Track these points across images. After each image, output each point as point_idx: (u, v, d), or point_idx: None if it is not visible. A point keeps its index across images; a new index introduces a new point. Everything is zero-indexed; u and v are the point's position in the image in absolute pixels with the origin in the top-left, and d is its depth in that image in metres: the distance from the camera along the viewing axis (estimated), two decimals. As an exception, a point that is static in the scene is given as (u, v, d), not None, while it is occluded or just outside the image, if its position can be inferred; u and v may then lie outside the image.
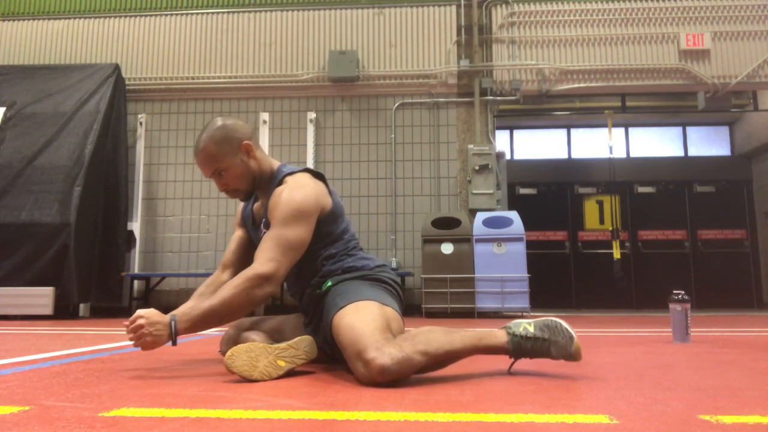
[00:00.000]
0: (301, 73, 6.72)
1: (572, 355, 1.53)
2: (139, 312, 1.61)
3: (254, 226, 1.97)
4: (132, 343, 1.59)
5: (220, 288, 1.68)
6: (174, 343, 1.60)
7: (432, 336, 1.51)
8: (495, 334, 1.61)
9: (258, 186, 1.88)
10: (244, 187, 1.86)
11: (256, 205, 1.97)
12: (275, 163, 1.92)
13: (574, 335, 1.55)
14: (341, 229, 1.88)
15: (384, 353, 1.40)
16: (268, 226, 1.78)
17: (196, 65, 6.83)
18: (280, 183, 1.81)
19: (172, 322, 1.59)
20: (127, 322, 1.62)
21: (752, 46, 6.57)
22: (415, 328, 1.59)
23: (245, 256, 1.99)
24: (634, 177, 8.67)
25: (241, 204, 2.06)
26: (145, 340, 1.57)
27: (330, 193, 1.87)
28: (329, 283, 1.80)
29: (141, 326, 1.57)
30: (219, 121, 1.82)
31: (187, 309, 1.64)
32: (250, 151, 1.83)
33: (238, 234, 2.05)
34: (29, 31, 7.05)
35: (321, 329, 1.78)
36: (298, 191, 1.74)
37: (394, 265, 6.25)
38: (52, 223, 5.39)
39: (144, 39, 6.93)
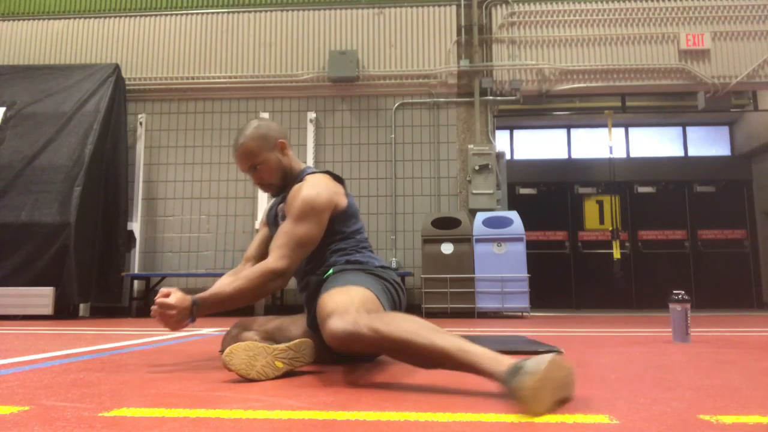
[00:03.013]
0: (301, 73, 6.72)
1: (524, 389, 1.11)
2: (163, 290, 1.69)
3: (275, 225, 2.06)
4: (157, 318, 1.68)
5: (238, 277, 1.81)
6: (193, 320, 1.71)
7: (401, 322, 1.37)
8: (497, 359, 1.24)
9: (287, 183, 2.01)
10: (277, 182, 2.00)
11: (281, 205, 2.05)
12: (302, 165, 2.08)
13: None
14: (353, 229, 1.97)
15: (342, 319, 1.43)
16: (284, 218, 1.90)
17: (196, 65, 6.83)
18: (301, 181, 1.93)
19: (194, 301, 1.70)
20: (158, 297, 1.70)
21: (752, 46, 6.57)
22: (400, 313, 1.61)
23: (266, 252, 2.08)
24: (634, 177, 8.67)
25: (267, 204, 2.16)
26: (167, 313, 1.66)
27: (346, 195, 1.99)
28: (331, 272, 1.87)
29: (166, 304, 1.66)
30: (257, 122, 2.01)
31: (207, 294, 1.75)
32: (284, 149, 2.01)
33: (263, 231, 2.17)
34: (29, 31, 7.05)
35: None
36: (313, 188, 1.85)
37: (394, 265, 6.25)
38: (52, 223, 5.39)
39: (144, 39, 6.93)
